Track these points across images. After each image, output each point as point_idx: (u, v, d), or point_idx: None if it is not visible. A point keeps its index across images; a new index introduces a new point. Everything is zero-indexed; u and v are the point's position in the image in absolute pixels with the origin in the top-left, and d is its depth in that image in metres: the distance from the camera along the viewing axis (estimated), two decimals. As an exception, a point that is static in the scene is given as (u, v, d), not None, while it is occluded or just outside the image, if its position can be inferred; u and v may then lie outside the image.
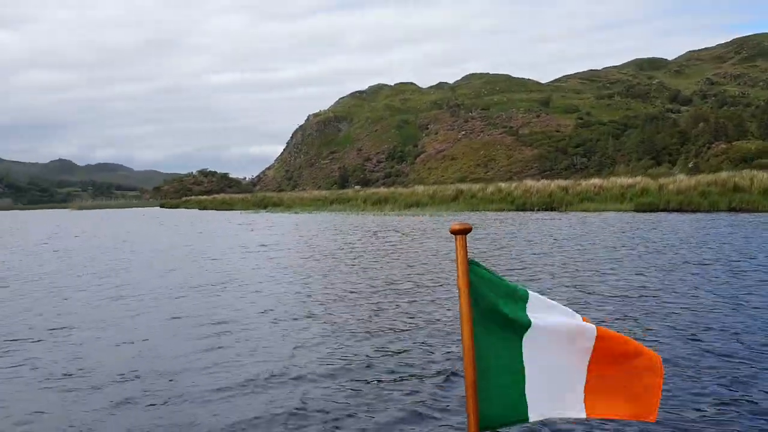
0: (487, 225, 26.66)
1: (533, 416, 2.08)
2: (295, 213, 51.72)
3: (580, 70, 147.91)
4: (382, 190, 58.37)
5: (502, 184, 42.76)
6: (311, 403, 5.27)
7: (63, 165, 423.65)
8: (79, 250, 22.15)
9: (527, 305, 2.05)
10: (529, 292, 2.07)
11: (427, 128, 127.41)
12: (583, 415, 2.07)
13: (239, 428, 4.80)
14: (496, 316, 2.03)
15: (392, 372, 6.04)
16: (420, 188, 51.37)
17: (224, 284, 12.17)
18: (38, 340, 7.90)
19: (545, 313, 2.06)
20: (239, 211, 61.95)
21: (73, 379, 6.26)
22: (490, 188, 42.43)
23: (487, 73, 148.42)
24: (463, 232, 2.02)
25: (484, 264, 2.07)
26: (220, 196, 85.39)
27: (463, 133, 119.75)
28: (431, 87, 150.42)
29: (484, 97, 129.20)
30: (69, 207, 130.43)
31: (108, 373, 6.32)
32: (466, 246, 2.04)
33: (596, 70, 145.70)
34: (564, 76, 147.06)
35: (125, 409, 5.32)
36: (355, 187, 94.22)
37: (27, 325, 8.89)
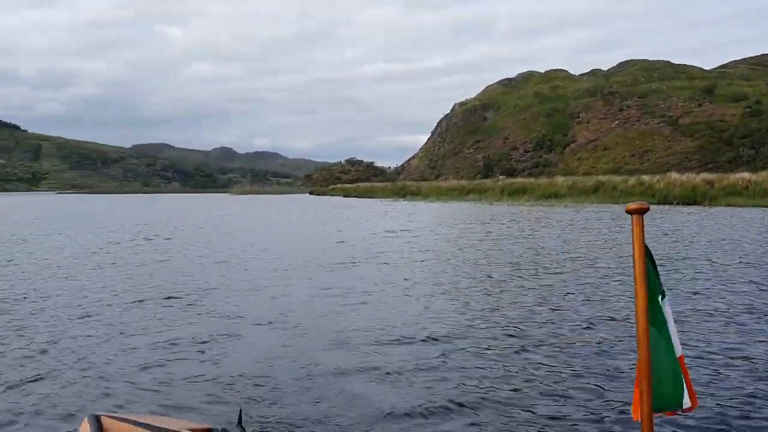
0: (613, 220, 27.08)
1: (686, 403, 2.27)
2: (431, 202, 54.07)
3: (751, 55, 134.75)
4: (520, 180, 58.86)
5: (645, 177, 41.88)
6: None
7: (224, 152, 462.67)
8: (241, 231, 26.21)
9: (664, 301, 2.24)
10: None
11: (578, 117, 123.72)
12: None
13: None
14: (656, 303, 2.19)
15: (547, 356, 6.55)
16: (560, 179, 51.36)
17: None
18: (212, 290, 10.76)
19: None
20: (379, 199, 65.64)
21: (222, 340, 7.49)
22: (632, 180, 41.77)
23: (645, 60, 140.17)
24: (640, 211, 2.04)
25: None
26: (363, 185, 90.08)
27: (617, 122, 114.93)
28: (583, 74, 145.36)
29: (642, 85, 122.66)
30: (229, 192, 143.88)
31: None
32: (643, 226, 2.08)
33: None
34: (731, 62, 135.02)
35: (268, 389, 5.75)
36: (500, 177, 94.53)
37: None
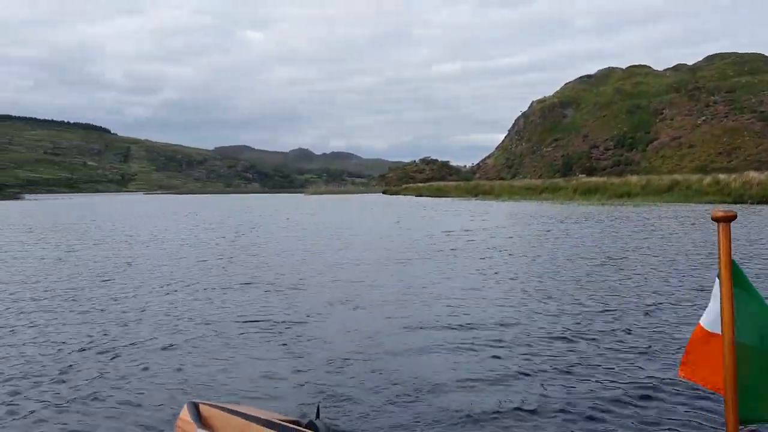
0: (689, 219, 27.50)
1: None
2: (503, 201, 54.72)
3: None
4: (594, 179, 58.66)
5: (721, 176, 41.32)
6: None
7: (302, 154, 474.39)
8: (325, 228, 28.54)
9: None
10: None
11: (662, 113, 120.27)
12: None
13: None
14: (757, 318, 2.20)
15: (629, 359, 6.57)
16: (633, 178, 51.12)
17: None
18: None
19: None
20: (450, 198, 66.58)
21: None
22: (707, 179, 41.37)
23: (735, 53, 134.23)
24: (726, 219, 1.93)
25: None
26: (435, 184, 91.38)
27: (704, 118, 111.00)
28: (667, 69, 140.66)
29: (731, 79, 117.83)
30: (304, 192, 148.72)
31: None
32: (730, 235, 1.98)
33: None
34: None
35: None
36: (579, 175, 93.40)
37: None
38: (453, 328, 7.99)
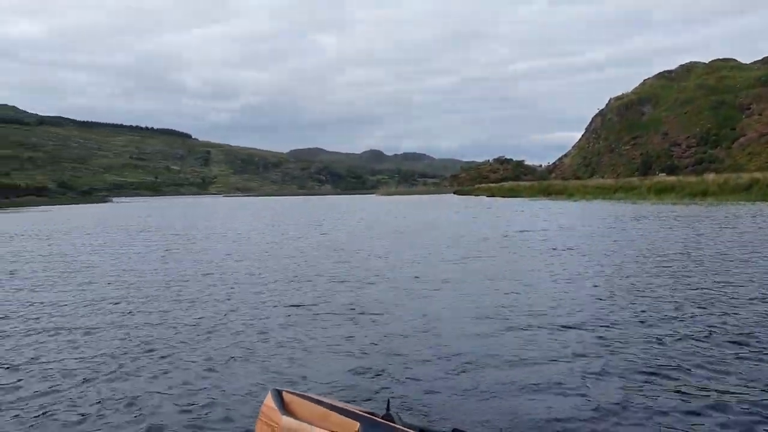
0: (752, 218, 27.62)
1: None
2: (574, 201, 54.52)
3: None
4: (669, 178, 57.87)
5: (803, 174, 40.31)
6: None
7: (374, 155, 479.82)
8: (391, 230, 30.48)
9: None
10: None
11: (749, 109, 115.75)
12: None
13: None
14: None
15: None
16: (710, 176, 50.32)
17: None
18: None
19: None
20: (521, 199, 66.59)
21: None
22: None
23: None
24: None
25: None
26: (507, 184, 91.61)
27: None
28: (756, 62, 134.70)
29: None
30: (375, 193, 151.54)
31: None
32: None
33: None
34: None
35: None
36: (660, 174, 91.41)
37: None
38: (542, 327, 8.14)
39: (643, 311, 8.94)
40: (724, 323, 8.05)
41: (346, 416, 3.95)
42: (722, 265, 13.17)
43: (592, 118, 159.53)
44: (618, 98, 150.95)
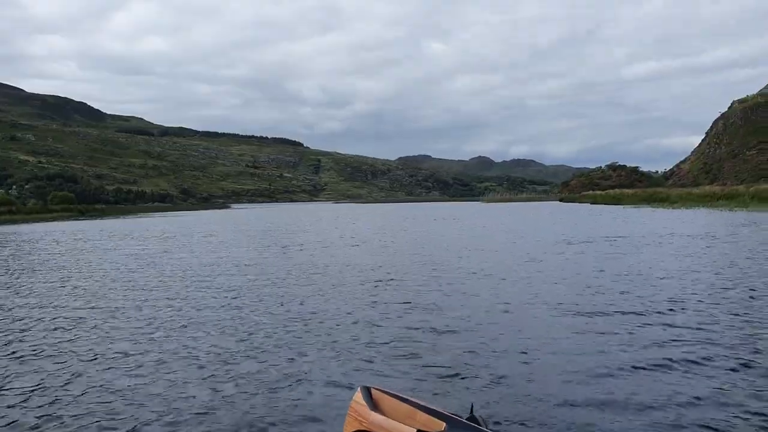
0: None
1: None
2: (674, 209, 54.05)
3: None
4: (775, 186, 57.26)
5: None
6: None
7: (482, 162, 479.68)
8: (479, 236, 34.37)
9: None
10: None
11: None
12: None
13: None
14: None
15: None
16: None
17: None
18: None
19: None
20: (623, 206, 66.44)
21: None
22: None
23: None
24: None
25: None
26: (612, 191, 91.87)
27: None
28: None
29: None
30: (481, 200, 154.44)
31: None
32: None
33: None
34: None
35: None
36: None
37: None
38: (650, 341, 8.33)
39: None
40: None
41: (432, 416, 4.11)
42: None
43: (713, 122, 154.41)
44: (742, 100, 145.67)
